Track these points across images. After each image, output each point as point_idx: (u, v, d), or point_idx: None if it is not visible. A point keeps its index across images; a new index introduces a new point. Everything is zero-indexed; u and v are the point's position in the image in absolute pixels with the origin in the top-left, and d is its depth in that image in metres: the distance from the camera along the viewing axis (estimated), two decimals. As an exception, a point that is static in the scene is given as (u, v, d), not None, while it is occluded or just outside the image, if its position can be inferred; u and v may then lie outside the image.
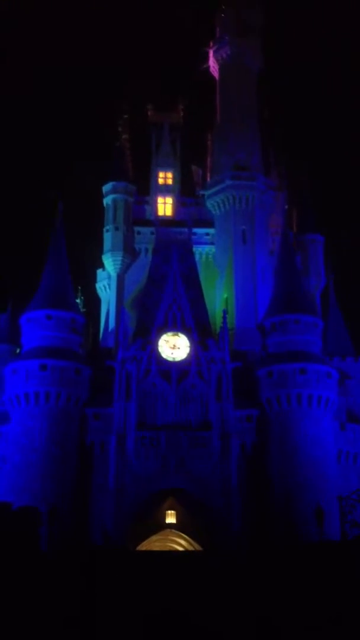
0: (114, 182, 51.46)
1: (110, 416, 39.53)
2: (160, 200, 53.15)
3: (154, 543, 40.85)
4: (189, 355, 40.94)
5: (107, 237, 50.94)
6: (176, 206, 52.89)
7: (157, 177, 53.74)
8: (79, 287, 51.65)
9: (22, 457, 38.04)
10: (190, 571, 27.96)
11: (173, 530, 40.51)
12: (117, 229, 50.73)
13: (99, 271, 53.49)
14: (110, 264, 50.80)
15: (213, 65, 56.86)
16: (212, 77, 57.34)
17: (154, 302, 43.25)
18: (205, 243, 51.57)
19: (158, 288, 43.72)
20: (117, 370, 40.26)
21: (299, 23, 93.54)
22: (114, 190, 51.38)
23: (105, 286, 52.59)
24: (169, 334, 41.52)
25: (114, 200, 51.28)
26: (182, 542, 41.32)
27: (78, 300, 48.98)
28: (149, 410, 39.87)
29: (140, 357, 40.65)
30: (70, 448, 38.66)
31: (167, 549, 40.85)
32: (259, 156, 52.61)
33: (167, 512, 39.75)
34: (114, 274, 50.78)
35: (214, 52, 56.31)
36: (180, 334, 41.49)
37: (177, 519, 39.81)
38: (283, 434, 39.11)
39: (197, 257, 48.79)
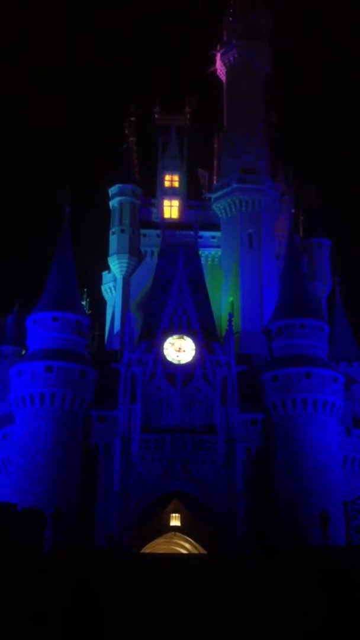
0: (120, 185, 51.46)
1: (115, 419, 39.53)
2: (166, 202, 53.13)
3: (159, 546, 40.83)
4: (195, 358, 40.89)
5: (113, 240, 50.95)
6: (182, 209, 52.87)
7: (163, 179, 53.73)
8: (85, 290, 51.73)
9: (26, 459, 38.01)
10: (193, 574, 27.84)
11: (177, 533, 40.48)
12: (123, 231, 50.73)
13: (105, 273, 53.47)
14: (116, 267, 50.80)
15: (220, 68, 56.87)
16: (220, 80, 57.35)
17: (159, 305, 43.23)
18: (212, 246, 51.55)
19: (164, 291, 43.70)
20: (122, 372, 40.26)
21: (307, 28, 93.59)
22: (120, 193, 51.39)
23: (111, 288, 52.57)
24: (175, 336, 41.49)
25: (120, 203, 51.29)
26: (187, 545, 41.29)
27: (84, 303, 49.00)
28: (154, 413, 39.83)
29: (146, 360, 40.62)
30: (75, 450, 38.64)
31: (171, 551, 40.80)
32: (266, 160, 52.53)
33: (171, 515, 39.71)
34: (119, 277, 50.79)
35: (222, 55, 56.30)
36: (185, 337, 41.45)
37: (182, 522, 39.77)
38: (288, 439, 39.01)
39: (203, 260, 48.74)
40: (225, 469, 38.71)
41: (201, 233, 49.49)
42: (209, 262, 50.96)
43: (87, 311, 48.62)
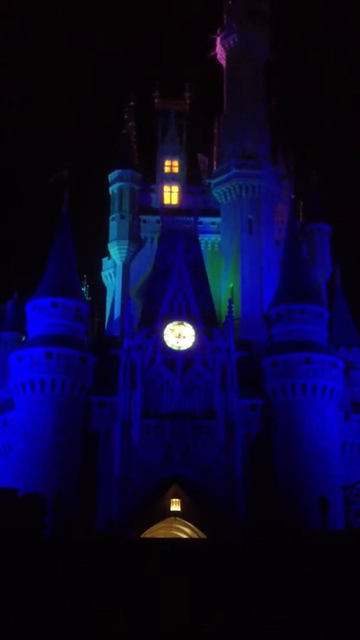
0: (120, 170, 51.32)
1: (115, 404, 39.64)
2: (166, 188, 52.92)
3: (159, 531, 41.03)
4: (194, 344, 40.96)
5: (113, 226, 50.88)
6: (182, 195, 52.66)
7: (163, 165, 53.48)
8: (85, 276, 51.73)
9: (26, 445, 38.15)
10: (193, 559, 27.99)
11: (177, 518, 40.64)
12: (122, 217, 50.64)
13: (105, 260, 53.42)
14: (115, 253, 50.75)
15: (220, 52, 56.47)
16: (220, 64, 56.98)
17: (159, 291, 43.23)
18: (211, 232, 51.45)
19: (164, 277, 43.69)
20: (122, 358, 40.32)
21: (307, 12, 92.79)
22: (120, 178, 51.24)
23: (111, 274, 52.54)
24: (175, 323, 41.55)
25: (120, 189, 51.15)
26: (187, 530, 41.49)
27: (83, 289, 49.01)
28: (154, 399, 39.96)
29: (146, 346, 40.70)
30: (75, 436, 38.76)
31: (171, 536, 41.00)
32: (266, 145, 52.31)
33: (171, 500, 39.85)
34: (119, 263, 50.76)
35: (221, 39, 55.89)
36: (185, 323, 41.50)
37: (182, 507, 39.93)
38: (288, 424, 39.13)
39: (202, 246, 48.65)
40: (225, 454, 38.86)
41: (201, 219, 49.37)
42: (209, 248, 50.87)
43: (86, 297, 48.63)
